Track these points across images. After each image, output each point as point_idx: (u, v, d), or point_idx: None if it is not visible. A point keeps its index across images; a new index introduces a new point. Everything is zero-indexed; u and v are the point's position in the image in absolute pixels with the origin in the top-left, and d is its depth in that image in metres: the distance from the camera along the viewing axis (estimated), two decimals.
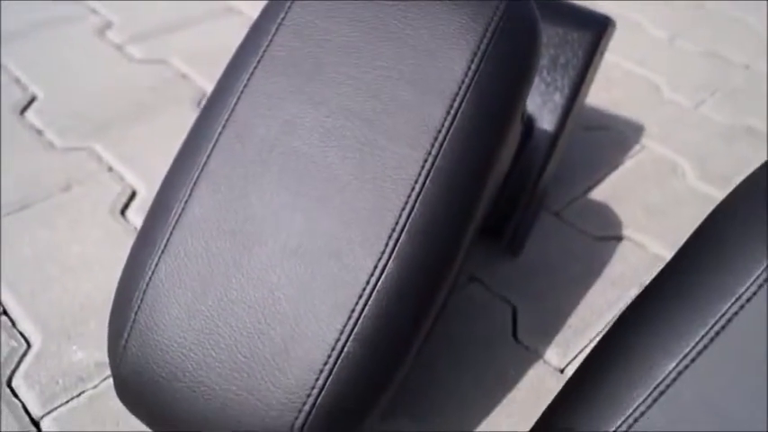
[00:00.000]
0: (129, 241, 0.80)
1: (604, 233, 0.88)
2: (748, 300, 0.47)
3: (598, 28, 0.86)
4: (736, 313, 0.47)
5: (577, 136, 1.03)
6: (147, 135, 0.96)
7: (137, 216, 0.84)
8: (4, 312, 0.72)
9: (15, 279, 0.75)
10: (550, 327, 0.76)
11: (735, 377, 0.46)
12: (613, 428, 0.47)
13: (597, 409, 0.49)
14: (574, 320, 0.77)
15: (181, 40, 1.17)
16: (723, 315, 0.47)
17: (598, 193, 0.94)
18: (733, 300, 0.47)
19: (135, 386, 0.54)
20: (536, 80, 0.84)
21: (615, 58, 1.24)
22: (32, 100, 1.01)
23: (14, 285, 0.75)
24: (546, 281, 0.81)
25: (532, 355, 0.73)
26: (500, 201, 0.80)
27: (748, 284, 0.47)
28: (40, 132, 0.95)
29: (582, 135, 1.04)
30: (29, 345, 0.70)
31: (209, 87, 1.06)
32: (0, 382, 0.66)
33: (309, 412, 0.50)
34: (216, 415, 0.52)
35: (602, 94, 1.14)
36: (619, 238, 0.87)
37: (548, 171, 0.83)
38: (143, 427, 0.62)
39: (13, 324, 0.71)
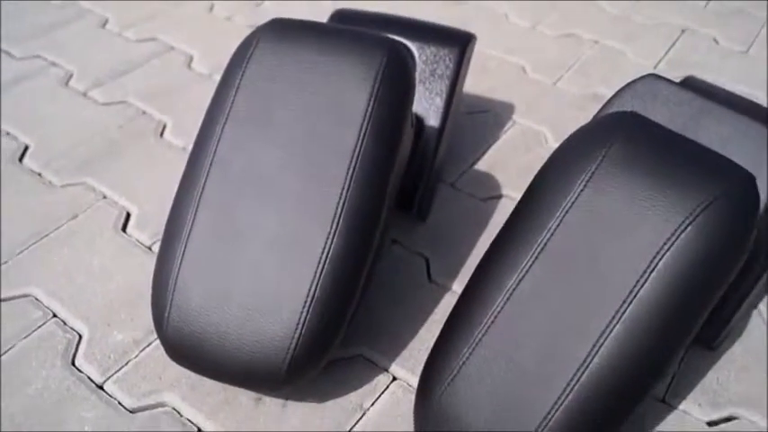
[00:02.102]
0: (135, 251, 1.06)
1: (488, 194, 1.18)
2: (556, 228, 0.76)
3: (462, 43, 1.15)
4: (544, 246, 0.76)
5: (462, 120, 1.33)
6: (125, 165, 1.21)
7: (135, 231, 1.09)
8: (54, 315, 0.98)
9: (55, 289, 1.01)
10: (454, 268, 1.05)
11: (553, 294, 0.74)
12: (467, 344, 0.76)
13: (455, 332, 0.79)
14: (471, 261, 1.06)
15: (133, 80, 1.41)
16: (538, 245, 0.76)
17: (482, 165, 1.24)
18: (545, 232, 0.77)
19: (178, 345, 0.82)
20: (421, 88, 1.13)
21: (489, 49, 1.54)
22: (26, 149, 1.24)
23: (56, 294, 1.00)
24: (448, 236, 1.10)
25: (443, 289, 1.03)
26: (406, 181, 1.09)
27: (558, 215, 0.76)
28: (39, 175, 1.20)
29: (466, 119, 1.34)
30: (80, 336, 0.95)
31: (166, 119, 1.30)
32: (66, 364, 0.92)
33: (299, 338, 0.78)
34: (237, 352, 0.80)
35: (479, 82, 1.44)
36: (499, 197, 1.17)
37: (439, 154, 1.13)
38: (178, 377, 0.89)
39: (64, 323, 0.97)
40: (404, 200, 1.10)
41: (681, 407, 0.89)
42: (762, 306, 1.01)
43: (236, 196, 0.83)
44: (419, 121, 1.12)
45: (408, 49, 0.89)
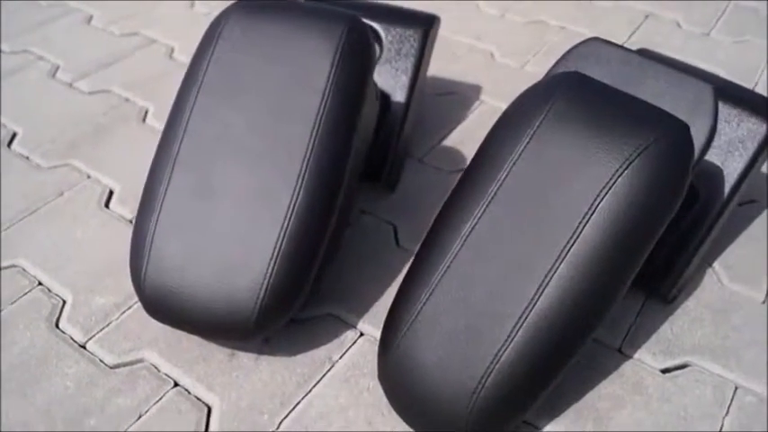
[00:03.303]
0: (118, 224, 1.11)
1: (454, 168, 1.23)
2: (505, 178, 0.82)
3: (426, 24, 1.21)
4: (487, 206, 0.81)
5: (431, 102, 1.39)
6: (109, 148, 1.27)
7: (118, 207, 1.15)
8: (40, 284, 1.03)
9: (42, 260, 1.06)
10: (421, 235, 1.09)
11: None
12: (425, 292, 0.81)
13: (414, 280, 0.84)
14: None
15: (117, 72, 1.47)
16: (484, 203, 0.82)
17: (449, 141, 1.30)
18: (495, 183, 0.82)
19: (155, 300, 0.87)
20: (388, 67, 1.19)
21: (459, 36, 1.60)
22: (14, 135, 1.30)
23: (43, 265, 1.05)
24: (415, 206, 1.16)
25: (410, 254, 1.07)
26: (375, 154, 1.15)
27: (506, 168, 0.82)
28: (27, 158, 1.25)
29: (435, 100, 1.40)
30: (64, 301, 1.00)
31: (148, 105, 1.36)
32: (51, 326, 0.97)
33: (266, 289, 0.84)
34: (210, 305, 0.85)
35: (449, 67, 1.50)
36: (463, 169, 1.23)
37: (406, 128, 1.18)
38: (156, 336, 0.94)
39: (49, 290, 1.02)
40: (372, 172, 1.16)
41: (636, 356, 0.94)
42: (716, 265, 1.06)
43: (208, 158, 0.88)
44: (386, 97, 1.18)
45: (366, 24, 0.95)
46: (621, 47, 0.94)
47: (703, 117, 0.85)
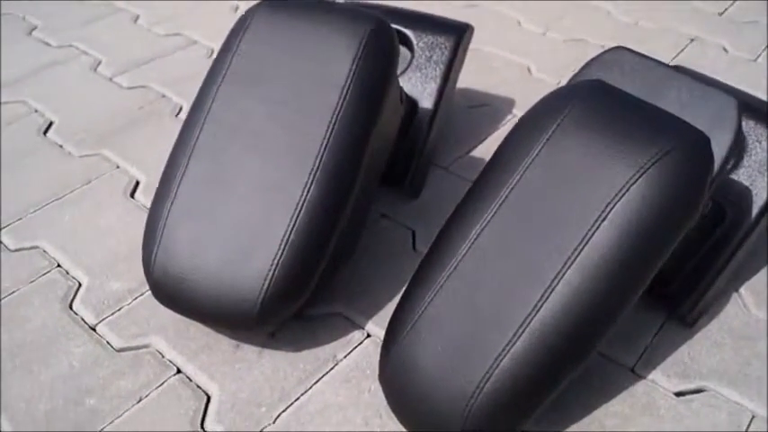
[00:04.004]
0: (140, 214, 1.13)
1: None
2: (516, 183, 0.80)
3: (458, 33, 1.20)
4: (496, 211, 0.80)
5: (463, 113, 1.38)
6: (140, 141, 1.29)
7: (142, 197, 1.16)
8: (59, 265, 1.05)
9: (63, 243, 1.08)
10: None
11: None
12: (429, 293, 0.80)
13: (420, 281, 0.83)
14: None
15: (157, 69, 1.50)
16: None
17: (477, 152, 1.28)
18: (506, 187, 0.81)
19: (162, 284, 0.88)
20: (418, 73, 1.19)
21: (496, 50, 1.59)
22: (51, 124, 1.34)
23: (63, 248, 1.07)
24: (436, 213, 1.14)
25: None
26: (399, 159, 1.14)
27: (517, 175, 0.81)
28: (61, 146, 1.28)
29: (467, 112, 1.39)
30: (80, 283, 1.02)
31: (183, 102, 1.39)
32: (64, 307, 0.98)
33: (272, 279, 0.83)
34: (215, 292, 0.85)
35: (484, 80, 1.49)
36: None
37: (432, 136, 1.17)
38: (165, 323, 0.95)
39: (67, 272, 1.04)
40: (396, 177, 1.15)
41: (649, 376, 0.91)
42: (743, 290, 1.02)
43: (225, 148, 0.89)
44: (414, 103, 1.17)
45: (391, 26, 0.95)
46: (647, 57, 0.92)
47: (725, 130, 0.82)
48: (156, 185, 0.91)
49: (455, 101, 1.35)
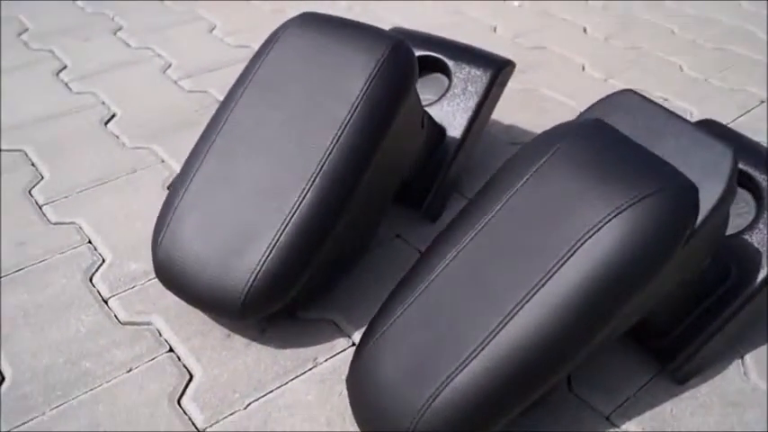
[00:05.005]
0: None
1: None
2: (497, 211, 0.83)
3: (496, 67, 1.23)
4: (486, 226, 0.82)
5: (502, 148, 1.40)
6: (188, 140, 1.35)
7: None
8: (89, 242, 1.14)
9: (97, 223, 1.17)
10: None
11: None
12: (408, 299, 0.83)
13: (395, 295, 0.85)
14: None
15: (220, 77, 1.60)
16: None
17: None
18: (487, 215, 0.83)
19: (164, 266, 0.94)
20: (452, 102, 1.22)
21: (551, 92, 1.60)
22: (113, 116, 1.45)
23: (97, 227, 1.16)
24: None
25: None
26: (419, 183, 1.18)
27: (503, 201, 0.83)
28: (117, 137, 1.39)
29: (506, 148, 1.40)
30: (104, 260, 1.10)
31: None
32: (85, 279, 1.06)
33: (257, 274, 0.88)
34: (208, 280, 0.91)
35: (533, 119, 1.50)
36: None
37: (456, 164, 1.20)
38: (168, 306, 1.01)
39: (95, 249, 1.13)
40: (415, 198, 1.19)
41: (623, 427, 0.90)
42: (747, 357, 0.99)
43: (237, 149, 0.96)
44: (442, 130, 1.21)
45: (410, 48, 0.99)
46: (654, 102, 0.93)
47: (718, 180, 0.81)
48: None
49: (497, 136, 1.37)
